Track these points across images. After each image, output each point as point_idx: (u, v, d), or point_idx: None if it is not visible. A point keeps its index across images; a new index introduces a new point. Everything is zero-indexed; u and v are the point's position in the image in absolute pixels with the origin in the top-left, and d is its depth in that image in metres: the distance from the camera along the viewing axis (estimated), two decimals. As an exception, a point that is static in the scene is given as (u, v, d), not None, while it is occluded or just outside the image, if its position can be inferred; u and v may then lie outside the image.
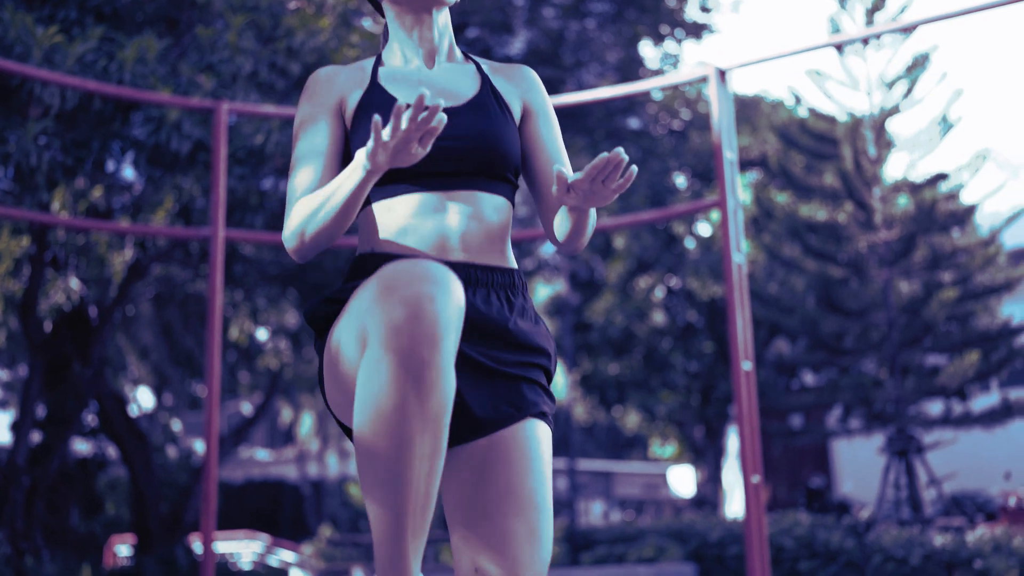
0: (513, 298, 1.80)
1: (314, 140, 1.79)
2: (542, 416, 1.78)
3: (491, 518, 1.68)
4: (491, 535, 1.67)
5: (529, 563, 1.66)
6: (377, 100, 1.81)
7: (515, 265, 1.85)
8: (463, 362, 1.69)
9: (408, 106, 1.48)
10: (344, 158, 1.84)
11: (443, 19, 1.92)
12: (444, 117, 1.47)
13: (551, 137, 1.92)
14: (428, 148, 1.52)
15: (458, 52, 1.96)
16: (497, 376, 1.73)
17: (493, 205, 1.80)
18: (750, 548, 4.40)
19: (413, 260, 1.41)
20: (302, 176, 1.76)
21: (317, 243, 1.70)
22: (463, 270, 1.74)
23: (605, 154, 1.56)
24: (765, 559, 4.40)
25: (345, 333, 1.54)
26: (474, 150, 1.77)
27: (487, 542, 1.67)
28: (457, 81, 1.89)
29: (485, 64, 1.96)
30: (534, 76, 1.96)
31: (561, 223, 1.81)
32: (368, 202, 1.80)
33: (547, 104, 1.95)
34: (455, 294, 1.41)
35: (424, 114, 1.45)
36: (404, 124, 1.46)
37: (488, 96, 1.87)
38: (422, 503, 1.45)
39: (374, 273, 1.55)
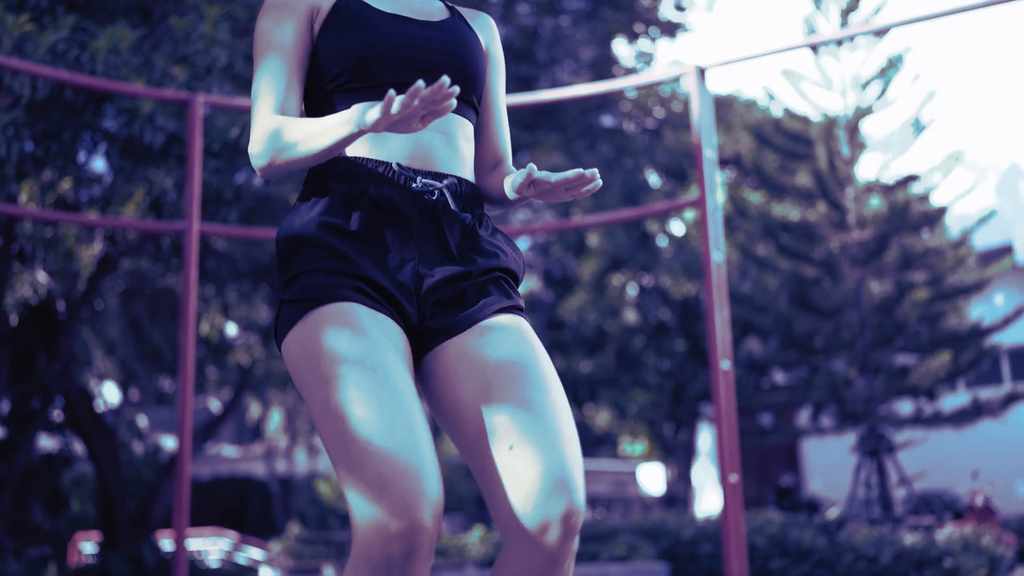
0: (475, 209, 1.82)
1: (282, 40, 1.79)
2: (517, 310, 1.80)
3: (507, 412, 1.63)
4: (512, 431, 1.61)
5: (561, 450, 1.60)
6: (350, 7, 1.82)
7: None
8: (435, 285, 1.72)
9: (426, 87, 1.48)
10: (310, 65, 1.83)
11: None
12: (454, 102, 1.48)
13: (499, 89, 1.99)
14: (427, 124, 1.52)
15: None
16: (466, 284, 1.76)
17: (460, 126, 1.82)
18: (727, 547, 4.39)
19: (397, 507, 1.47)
20: (270, 81, 1.76)
21: (286, 171, 1.73)
22: (433, 177, 1.75)
23: (581, 170, 1.64)
24: (743, 558, 4.39)
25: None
26: (447, 64, 1.81)
27: (514, 437, 1.61)
28: (429, 9, 1.92)
29: (451, 3, 2.01)
30: (494, 25, 2.03)
31: (495, 186, 1.89)
32: (331, 108, 1.79)
33: (501, 55, 2.02)
34: (437, 517, 1.50)
35: (439, 95, 1.46)
36: (416, 103, 1.46)
37: (460, 22, 1.93)
38: None
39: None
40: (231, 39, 6.05)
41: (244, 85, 6.35)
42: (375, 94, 1.75)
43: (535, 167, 1.66)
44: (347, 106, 1.75)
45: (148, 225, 5.79)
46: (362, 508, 1.48)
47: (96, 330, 14.59)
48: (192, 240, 4.76)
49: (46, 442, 13.16)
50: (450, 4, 1.97)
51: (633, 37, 17.58)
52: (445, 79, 1.43)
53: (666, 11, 17.39)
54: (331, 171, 1.75)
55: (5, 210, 5.20)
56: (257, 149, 1.71)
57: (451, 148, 1.79)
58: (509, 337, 1.71)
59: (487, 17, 2.01)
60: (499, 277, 1.80)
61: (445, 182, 1.75)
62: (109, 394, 20.17)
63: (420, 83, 1.43)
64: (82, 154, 6.96)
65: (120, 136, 5.85)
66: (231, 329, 12.80)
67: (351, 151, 1.75)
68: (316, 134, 1.62)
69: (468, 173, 1.82)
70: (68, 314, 8.74)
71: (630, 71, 17.35)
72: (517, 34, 16.78)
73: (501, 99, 2.00)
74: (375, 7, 1.83)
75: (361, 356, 1.58)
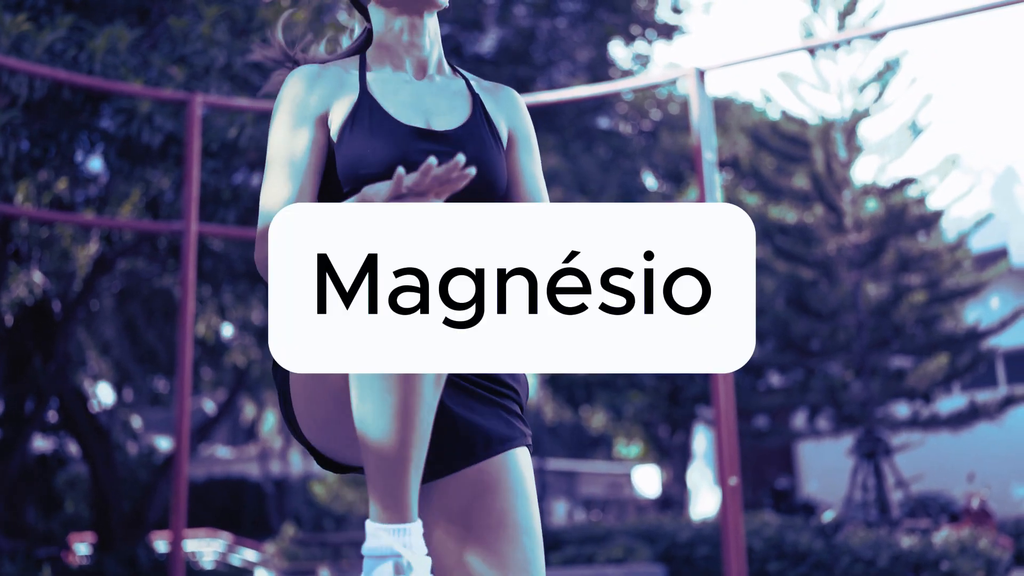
0: None
1: (294, 146, 1.71)
2: (526, 444, 1.81)
3: (486, 547, 1.68)
4: (486, 563, 1.68)
5: None
6: (368, 113, 1.74)
7: None
8: (456, 389, 1.70)
9: (439, 164, 1.45)
10: (324, 167, 1.76)
11: (434, 25, 1.85)
12: (472, 175, 1.43)
13: (531, 167, 1.89)
14: (442, 198, 1.46)
15: (446, 64, 1.90)
16: (486, 403, 1.75)
17: None
18: (726, 550, 4.37)
19: None
20: (279, 186, 1.69)
21: None
22: None
23: None
24: (742, 561, 4.37)
25: None
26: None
27: (482, 570, 1.68)
28: (449, 99, 1.83)
29: (474, 81, 1.90)
30: (520, 101, 1.93)
31: None
32: None
33: (531, 132, 1.92)
34: None
35: (454, 173, 1.41)
36: (428, 181, 1.41)
37: (481, 121, 1.82)
38: (425, 433, 1.45)
39: None
40: (229, 39, 6.03)
41: (242, 85, 6.32)
42: None
43: None
44: None
45: (146, 225, 5.76)
46: None
47: (91, 331, 14.55)
48: (190, 241, 4.74)
49: (41, 443, 13.12)
50: (474, 89, 1.87)
51: (630, 39, 17.58)
52: (460, 157, 1.38)
53: (663, 13, 17.40)
54: None
55: (1, 210, 5.17)
56: (263, 250, 1.63)
57: None
58: (509, 491, 1.72)
59: (510, 93, 1.91)
60: (510, 410, 1.78)
61: None
62: (104, 395, 20.11)
63: (432, 160, 1.38)
64: (79, 154, 6.94)
65: (118, 136, 5.82)
66: (227, 330, 12.77)
67: None
68: None
69: None
70: (64, 314, 8.71)
71: (627, 73, 17.35)
72: (514, 36, 16.78)
73: (535, 174, 1.90)
74: (393, 116, 1.75)
75: None
